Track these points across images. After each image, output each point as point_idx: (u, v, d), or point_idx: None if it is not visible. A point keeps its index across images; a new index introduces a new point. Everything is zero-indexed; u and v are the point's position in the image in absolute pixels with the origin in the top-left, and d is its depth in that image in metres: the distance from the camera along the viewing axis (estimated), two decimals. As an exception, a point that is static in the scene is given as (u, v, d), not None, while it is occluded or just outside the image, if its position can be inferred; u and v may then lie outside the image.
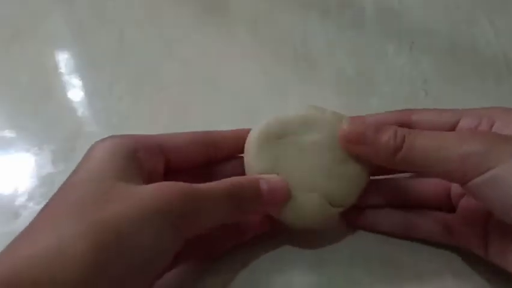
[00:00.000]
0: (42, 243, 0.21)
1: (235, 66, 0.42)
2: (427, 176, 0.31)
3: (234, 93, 0.40)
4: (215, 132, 0.30)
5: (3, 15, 0.46)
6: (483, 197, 0.24)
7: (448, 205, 0.30)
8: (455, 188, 0.30)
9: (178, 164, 0.29)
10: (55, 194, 0.25)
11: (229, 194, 0.26)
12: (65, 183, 0.25)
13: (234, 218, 0.28)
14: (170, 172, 0.28)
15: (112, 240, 0.21)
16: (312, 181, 0.28)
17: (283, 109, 0.38)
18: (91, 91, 0.41)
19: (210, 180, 0.26)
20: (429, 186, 0.31)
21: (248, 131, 0.30)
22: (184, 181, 0.25)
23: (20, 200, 0.34)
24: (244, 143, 0.29)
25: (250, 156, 0.29)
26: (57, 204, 0.24)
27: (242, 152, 0.29)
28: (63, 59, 0.43)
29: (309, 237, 0.31)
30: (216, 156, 0.30)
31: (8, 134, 0.38)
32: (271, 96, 0.39)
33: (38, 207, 0.33)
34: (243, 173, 0.29)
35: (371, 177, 0.29)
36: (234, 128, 0.36)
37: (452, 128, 0.29)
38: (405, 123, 0.30)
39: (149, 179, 0.26)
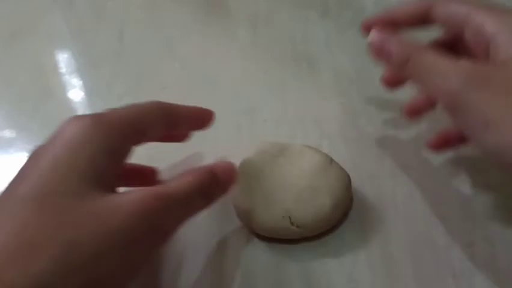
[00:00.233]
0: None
1: (235, 66, 0.42)
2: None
3: (234, 93, 0.40)
4: (179, 106, 0.30)
5: (3, 15, 0.46)
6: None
7: None
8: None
9: (146, 139, 0.29)
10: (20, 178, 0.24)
11: (200, 191, 0.26)
12: (35, 158, 0.25)
13: (202, 209, 0.28)
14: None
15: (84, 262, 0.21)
16: (282, 199, 0.31)
17: (283, 109, 0.38)
18: (91, 91, 0.41)
19: None
20: None
21: (209, 112, 0.32)
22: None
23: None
24: (203, 120, 0.32)
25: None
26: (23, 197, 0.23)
27: (199, 127, 0.32)
28: (63, 59, 0.43)
29: (310, 239, 0.31)
30: (175, 129, 0.31)
31: (8, 134, 0.38)
32: (271, 96, 0.39)
33: (38, 207, 0.33)
34: None
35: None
36: (233, 129, 0.36)
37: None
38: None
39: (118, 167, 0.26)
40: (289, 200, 0.31)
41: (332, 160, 0.33)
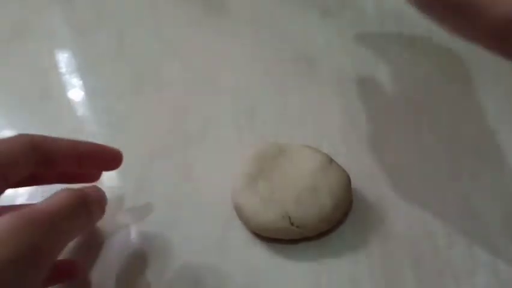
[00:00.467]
0: None
1: (235, 66, 0.42)
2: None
3: (234, 93, 0.40)
4: (56, 141, 0.28)
5: (3, 15, 0.46)
6: None
7: None
8: None
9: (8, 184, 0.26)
10: None
11: (80, 203, 0.25)
12: None
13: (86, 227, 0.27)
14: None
15: None
16: (282, 199, 0.31)
17: (283, 109, 0.38)
18: (91, 91, 0.41)
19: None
20: None
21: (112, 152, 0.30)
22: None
23: (20, 200, 0.34)
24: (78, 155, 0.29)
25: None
26: None
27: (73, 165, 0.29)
28: (63, 59, 0.43)
29: (310, 239, 0.31)
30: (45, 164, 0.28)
31: (8, 134, 0.38)
32: (271, 96, 0.39)
33: (38, 207, 0.33)
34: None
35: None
36: (233, 129, 0.36)
37: None
38: None
39: None
40: (289, 200, 0.31)
41: (332, 160, 0.33)
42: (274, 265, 0.31)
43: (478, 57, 0.42)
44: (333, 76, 0.41)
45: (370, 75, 0.41)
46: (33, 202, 0.33)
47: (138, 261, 0.31)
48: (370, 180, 0.34)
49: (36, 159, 0.27)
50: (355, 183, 0.33)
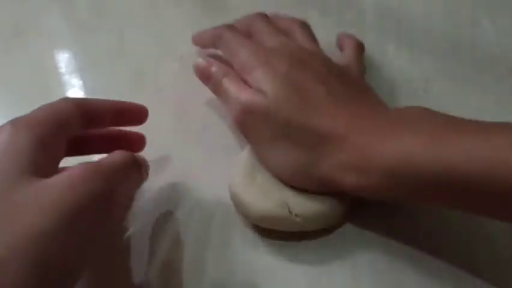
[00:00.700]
0: None
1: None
2: None
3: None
4: (96, 101, 0.30)
5: (3, 15, 0.46)
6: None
7: None
8: None
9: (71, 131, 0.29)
10: None
11: (132, 160, 0.28)
12: None
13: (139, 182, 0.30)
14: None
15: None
16: (280, 188, 0.31)
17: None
18: (91, 91, 0.41)
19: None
20: None
21: (139, 107, 0.33)
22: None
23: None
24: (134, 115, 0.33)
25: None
26: None
27: (131, 123, 0.33)
28: (63, 59, 0.43)
29: (311, 243, 0.31)
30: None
31: (8, 133, 0.37)
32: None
33: (38, 207, 0.33)
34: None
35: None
36: (234, 130, 0.36)
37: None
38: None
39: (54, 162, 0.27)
40: (288, 189, 0.31)
41: None
42: (275, 265, 0.31)
43: (478, 57, 0.42)
44: (333, 76, 0.41)
45: (370, 75, 0.41)
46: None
47: (138, 261, 0.31)
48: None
49: (82, 117, 0.29)
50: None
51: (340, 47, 0.40)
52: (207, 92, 0.40)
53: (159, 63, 0.42)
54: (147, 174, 0.31)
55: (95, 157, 0.31)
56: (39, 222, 0.22)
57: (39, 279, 0.21)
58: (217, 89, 0.34)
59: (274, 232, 0.31)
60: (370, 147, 0.28)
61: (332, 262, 0.31)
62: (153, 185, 0.34)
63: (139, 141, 0.34)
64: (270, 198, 0.31)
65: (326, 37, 0.42)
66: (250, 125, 0.32)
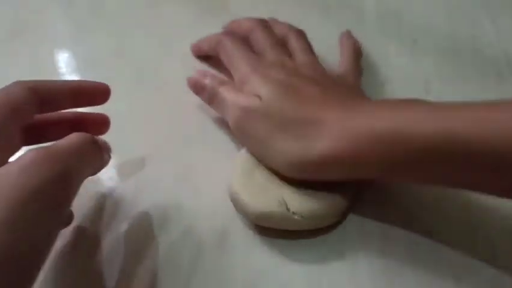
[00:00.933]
0: None
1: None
2: None
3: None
4: (50, 82, 0.29)
5: (3, 15, 0.46)
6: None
7: None
8: None
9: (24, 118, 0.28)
10: None
11: (91, 142, 0.27)
12: None
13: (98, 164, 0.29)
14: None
15: None
16: (278, 187, 0.31)
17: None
18: (91, 91, 0.41)
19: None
20: None
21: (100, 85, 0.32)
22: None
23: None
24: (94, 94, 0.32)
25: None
26: None
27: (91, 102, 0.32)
28: (63, 59, 0.43)
29: (311, 242, 0.31)
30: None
31: (8, 133, 0.37)
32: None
33: (38, 207, 0.33)
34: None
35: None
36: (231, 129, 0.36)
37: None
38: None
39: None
40: (286, 187, 0.31)
41: None
42: (275, 264, 0.31)
43: (478, 57, 0.42)
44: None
45: (370, 75, 0.41)
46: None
47: (138, 261, 0.31)
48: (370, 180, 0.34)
49: (36, 101, 0.28)
50: (355, 181, 0.33)
51: (340, 50, 0.41)
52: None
53: (159, 63, 0.42)
54: (109, 156, 0.31)
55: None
56: None
57: None
58: (212, 98, 0.35)
59: (274, 231, 0.31)
60: (362, 118, 0.29)
61: (332, 260, 0.31)
62: (153, 185, 0.34)
63: (102, 123, 0.33)
64: (268, 196, 0.31)
65: (326, 37, 0.42)
66: (249, 127, 0.32)
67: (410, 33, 0.44)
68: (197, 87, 0.37)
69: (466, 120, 0.26)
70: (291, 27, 0.39)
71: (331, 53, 0.42)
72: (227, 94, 0.34)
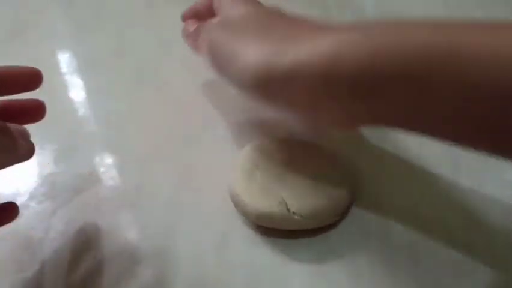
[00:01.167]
0: None
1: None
2: None
3: (234, 93, 0.39)
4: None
5: (3, 15, 0.46)
6: None
7: None
8: None
9: None
10: None
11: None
12: None
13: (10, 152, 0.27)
14: None
15: None
16: (279, 188, 0.31)
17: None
18: (91, 91, 0.41)
19: None
20: None
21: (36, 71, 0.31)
22: None
23: (21, 200, 0.34)
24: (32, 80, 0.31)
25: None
26: None
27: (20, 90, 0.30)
28: (63, 59, 0.43)
29: (311, 242, 0.31)
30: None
31: (8, 134, 0.38)
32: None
33: (39, 207, 0.33)
34: None
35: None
36: (233, 127, 0.36)
37: None
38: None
39: None
40: (286, 188, 0.31)
41: (332, 157, 0.33)
42: (275, 264, 0.31)
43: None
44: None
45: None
46: (35, 201, 0.33)
47: (138, 261, 0.31)
48: (370, 180, 0.34)
49: None
50: (355, 182, 0.33)
51: None
52: (207, 92, 0.40)
53: (159, 63, 0.42)
54: (28, 143, 0.29)
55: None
56: None
57: None
58: (197, 35, 0.34)
59: (274, 231, 0.31)
60: (350, 30, 0.25)
61: (332, 260, 0.31)
62: (153, 184, 0.34)
63: (37, 109, 0.31)
64: (268, 197, 0.31)
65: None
66: (222, 40, 0.30)
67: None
68: (185, 33, 0.37)
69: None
70: None
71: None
72: (206, 24, 0.33)
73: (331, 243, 0.31)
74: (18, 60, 0.43)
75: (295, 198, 0.31)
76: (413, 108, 0.24)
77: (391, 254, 0.31)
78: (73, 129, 0.38)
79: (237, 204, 0.32)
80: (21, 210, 0.33)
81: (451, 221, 0.32)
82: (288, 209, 0.30)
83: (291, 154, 0.33)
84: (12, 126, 0.27)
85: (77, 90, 0.41)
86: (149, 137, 0.37)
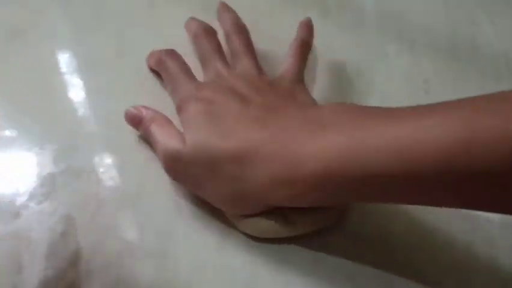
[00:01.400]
0: None
1: (235, 66, 0.41)
2: None
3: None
4: None
5: (3, 15, 0.46)
6: None
7: None
8: None
9: None
10: None
11: None
12: None
13: None
14: None
15: None
16: None
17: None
18: (91, 91, 0.41)
19: None
20: None
21: None
22: None
23: (21, 200, 0.34)
24: None
25: None
26: None
27: None
28: (63, 59, 0.43)
29: (310, 244, 0.31)
30: None
31: (8, 133, 0.38)
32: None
33: (39, 207, 0.33)
34: None
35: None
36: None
37: None
38: None
39: None
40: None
41: None
42: (274, 264, 0.31)
43: (477, 57, 0.42)
44: (333, 76, 0.41)
45: (370, 75, 0.41)
46: (35, 201, 0.33)
47: (138, 261, 0.31)
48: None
49: None
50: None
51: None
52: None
53: (159, 63, 0.42)
54: None
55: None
56: None
57: None
58: (147, 136, 0.35)
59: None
60: (291, 156, 0.28)
61: (332, 260, 0.31)
62: (153, 184, 0.34)
63: None
64: (265, 214, 0.30)
65: (327, 37, 0.42)
66: (177, 170, 0.32)
67: (410, 33, 0.44)
68: (134, 121, 0.36)
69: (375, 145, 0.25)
70: (233, 23, 0.40)
71: (331, 53, 0.42)
72: (156, 134, 0.34)
73: (331, 244, 0.31)
74: (18, 60, 0.43)
75: (294, 209, 0.30)
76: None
77: (391, 255, 0.31)
78: (73, 129, 0.38)
79: (235, 225, 0.32)
80: (21, 210, 0.33)
81: (451, 221, 0.32)
82: (287, 219, 0.30)
83: None
84: None
85: (77, 90, 0.41)
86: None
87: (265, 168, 0.28)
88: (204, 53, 0.38)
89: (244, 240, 0.32)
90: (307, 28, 0.40)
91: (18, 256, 0.31)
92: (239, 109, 0.31)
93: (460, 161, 0.23)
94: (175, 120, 0.35)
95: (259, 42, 0.43)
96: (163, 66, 0.38)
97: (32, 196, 0.34)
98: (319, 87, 0.40)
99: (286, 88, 0.34)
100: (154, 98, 0.39)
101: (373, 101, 0.39)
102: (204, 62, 0.38)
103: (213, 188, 0.30)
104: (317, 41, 0.40)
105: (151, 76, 0.41)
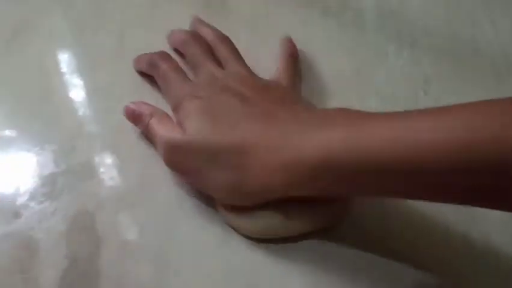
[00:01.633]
0: None
1: (235, 66, 0.41)
2: None
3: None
4: None
5: (3, 15, 0.46)
6: None
7: None
8: None
9: None
10: None
11: None
12: None
13: None
14: None
15: None
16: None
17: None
18: (91, 91, 0.41)
19: None
20: None
21: None
22: None
23: (21, 200, 0.34)
24: None
25: None
26: None
27: None
28: (63, 59, 0.43)
29: (310, 244, 0.31)
30: None
31: (7, 133, 0.38)
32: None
33: (40, 207, 0.33)
34: None
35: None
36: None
37: None
38: None
39: None
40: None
41: None
42: (275, 264, 0.31)
43: (478, 57, 0.42)
44: (333, 76, 0.41)
45: (370, 75, 0.41)
46: (35, 201, 0.33)
47: (138, 261, 0.31)
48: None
49: None
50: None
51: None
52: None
53: (159, 63, 0.42)
54: None
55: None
56: None
57: None
58: (146, 131, 0.35)
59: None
60: (290, 145, 0.28)
61: (332, 260, 0.31)
62: (154, 184, 0.34)
63: None
64: (264, 212, 0.31)
65: (326, 37, 0.42)
66: (178, 161, 0.32)
67: (410, 33, 0.44)
68: (134, 117, 0.36)
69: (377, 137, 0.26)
70: (215, 34, 0.40)
71: (331, 53, 0.42)
72: (156, 128, 0.34)
73: (331, 243, 0.31)
74: (18, 60, 0.43)
75: (293, 205, 0.30)
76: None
77: (391, 255, 0.31)
78: (73, 129, 0.38)
79: (234, 228, 0.32)
80: (21, 210, 0.33)
81: (451, 221, 0.32)
82: (287, 218, 0.30)
83: None
84: None
85: (77, 90, 0.41)
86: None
87: (264, 157, 0.29)
88: (195, 58, 0.38)
89: (245, 240, 0.32)
90: (290, 42, 0.41)
91: (19, 256, 0.31)
92: (237, 105, 0.32)
93: (458, 157, 0.24)
94: (174, 120, 0.35)
95: (259, 42, 0.43)
96: (156, 69, 0.38)
97: (32, 196, 0.34)
98: (319, 87, 0.40)
99: (280, 90, 0.35)
100: (154, 98, 0.39)
101: (373, 101, 0.39)
102: (196, 66, 0.38)
103: (213, 178, 0.30)
104: (317, 41, 0.40)
105: (151, 76, 0.41)
